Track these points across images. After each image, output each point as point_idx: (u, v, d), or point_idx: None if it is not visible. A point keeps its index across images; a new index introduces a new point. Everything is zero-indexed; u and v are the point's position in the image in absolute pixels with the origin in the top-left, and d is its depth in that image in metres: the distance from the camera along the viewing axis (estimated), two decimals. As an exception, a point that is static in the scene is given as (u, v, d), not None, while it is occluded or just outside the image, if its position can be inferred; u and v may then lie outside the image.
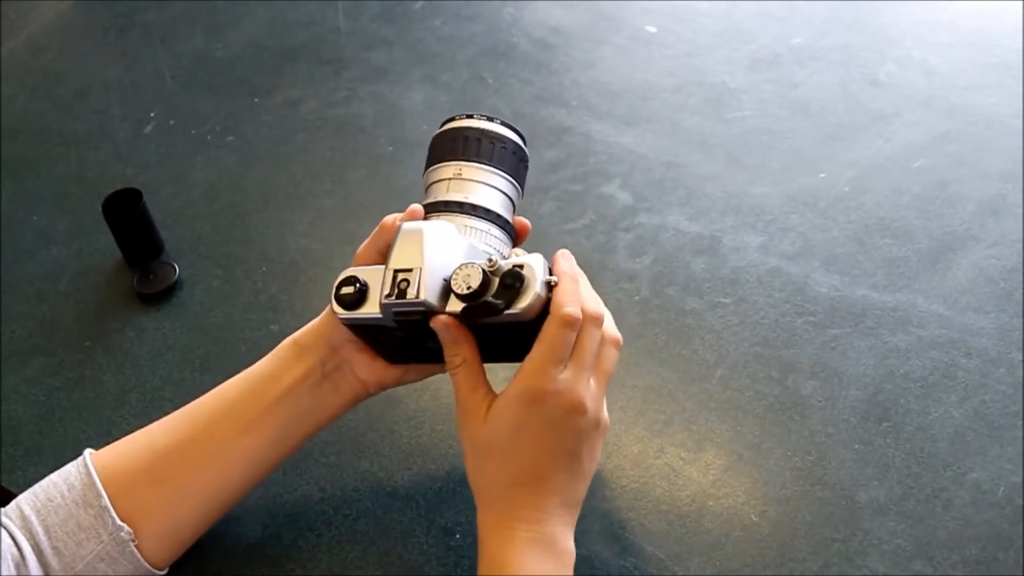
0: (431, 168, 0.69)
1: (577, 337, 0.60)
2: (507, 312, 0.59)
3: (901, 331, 0.81)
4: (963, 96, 1.04)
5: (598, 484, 0.73)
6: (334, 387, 0.69)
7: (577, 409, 0.60)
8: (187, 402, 0.83)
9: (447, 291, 0.61)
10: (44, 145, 1.15)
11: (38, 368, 0.88)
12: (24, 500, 0.65)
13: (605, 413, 0.62)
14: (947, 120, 1.01)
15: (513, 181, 0.67)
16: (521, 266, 0.60)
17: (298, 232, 0.98)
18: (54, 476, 0.67)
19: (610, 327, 0.62)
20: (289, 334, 0.88)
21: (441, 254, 0.61)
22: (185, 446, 0.68)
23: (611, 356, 0.62)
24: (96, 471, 0.66)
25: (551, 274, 0.61)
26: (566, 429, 0.60)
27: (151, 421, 0.81)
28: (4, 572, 0.60)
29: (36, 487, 0.66)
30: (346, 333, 0.67)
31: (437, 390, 0.80)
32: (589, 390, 0.60)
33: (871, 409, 0.76)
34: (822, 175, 0.97)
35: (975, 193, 0.93)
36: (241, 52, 1.25)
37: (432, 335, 0.62)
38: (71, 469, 0.67)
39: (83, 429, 0.82)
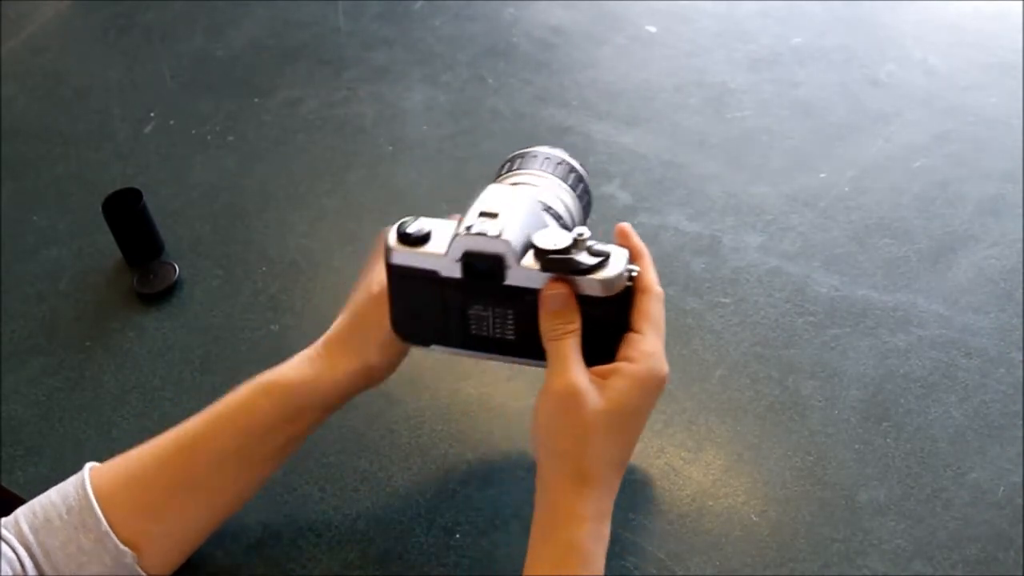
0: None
1: (651, 318, 0.60)
2: (589, 277, 0.57)
3: (901, 331, 0.81)
4: (963, 96, 1.04)
5: (598, 484, 0.73)
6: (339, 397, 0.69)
7: (662, 388, 0.60)
8: (187, 402, 0.83)
9: (526, 250, 0.58)
10: (44, 145, 1.15)
11: (38, 368, 0.88)
12: (23, 517, 0.63)
13: None
14: (947, 120, 1.01)
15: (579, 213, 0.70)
16: (608, 249, 0.59)
17: (298, 232, 0.98)
18: (53, 495, 0.65)
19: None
20: (289, 334, 0.89)
21: (529, 215, 0.60)
22: (184, 482, 0.66)
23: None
24: (95, 494, 0.63)
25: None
26: (646, 418, 0.61)
27: (151, 421, 0.82)
28: None
29: (35, 504, 0.64)
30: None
31: (436, 390, 0.80)
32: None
33: (871, 409, 0.76)
34: (822, 175, 0.97)
35: (975, 193, 0.92)
36: (241, 52, 1.25)
37: (479, 303, 0.59)
38: (69, 490, 0.65)
39: (83, 429, 0.82)
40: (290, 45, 1.25)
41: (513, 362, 0.63)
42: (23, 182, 1.10)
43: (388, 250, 0.61)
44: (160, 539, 0.65)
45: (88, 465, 0.67)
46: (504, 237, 0.57)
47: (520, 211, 0.59)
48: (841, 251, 0.89)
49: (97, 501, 0.63)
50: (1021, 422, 0.73)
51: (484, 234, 0.57)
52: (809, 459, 0.73)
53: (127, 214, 0.94)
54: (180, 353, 0.88)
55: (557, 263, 0.57)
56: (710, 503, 0.71)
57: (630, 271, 0.59)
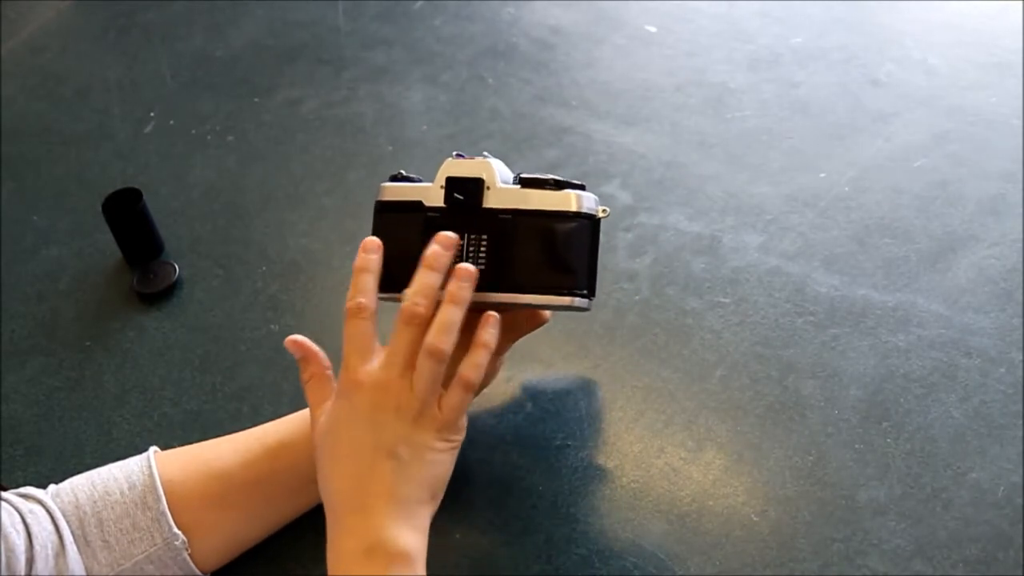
0: None
1: (393, 334, 0.61)
2: (555, 191, 0.63)
3: (901, 331, 0.81)
4: (963, 96, 1.04)
5: (598, 484, 0.73)
6: None
7: (384, 404, 0.60)
8: (187, 402, 0.83)
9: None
10: (44, 145, 1.15)
11: (38, 368, 0.88)
12: (80, 487, 0.65)
13: (440, 413, 0.61)
14: (947, 120, 1.01)
15: None
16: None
17: (298, 232, 0.98)
18: (115, 470, 0.67)
19: (432, 336, 0.60)
20: (289, 334, 0.88)
21: (502, 166, 0.67)
22: (264, 481, 0.68)
23: (421, 363, 0.60)
24: (160, 476, 0.66)
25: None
26: (378, 424, 0.60)
27: (151, 421, 0.82)
28: (40, 559, 0.60)
29: (94, 475, 0.66)
30: None
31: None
32: (401, 386, 0.60)
33: (871, 409, 0.76)
34: (822, 175, 0.97)
35: (975, 193, 0.92)
36: (241, 52, 1.25)
37: (457, 231, 0.63)
38: (133, 467, 0.67)
39: (83, 429, 0.82)
40: (290, 45, 1.25)
41: (481, 298, 0.64)
42: (23, 182, 1.10)
43: (380, 191, 0.68)
44: (220, 532, 0.67)
45: (152, 448, 0.69)
46: (484, 162, 0.65)
47: (495, 161, 0.67)
48: (841, 251, 0.89)
49: (161, 481, 0.65)
50: (1021, 422, 0.73)
51: (464, 156, 0.66)
52: (809, 459, 0.73)
53: (127, 214, 0.94)
54: (180, 353, 0.88)
55: (535, 182, 0.64)
56: (710, 503, 0.71)
57: (598, 207, 0.66)
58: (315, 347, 0.65)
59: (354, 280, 0.63)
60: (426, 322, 0.61)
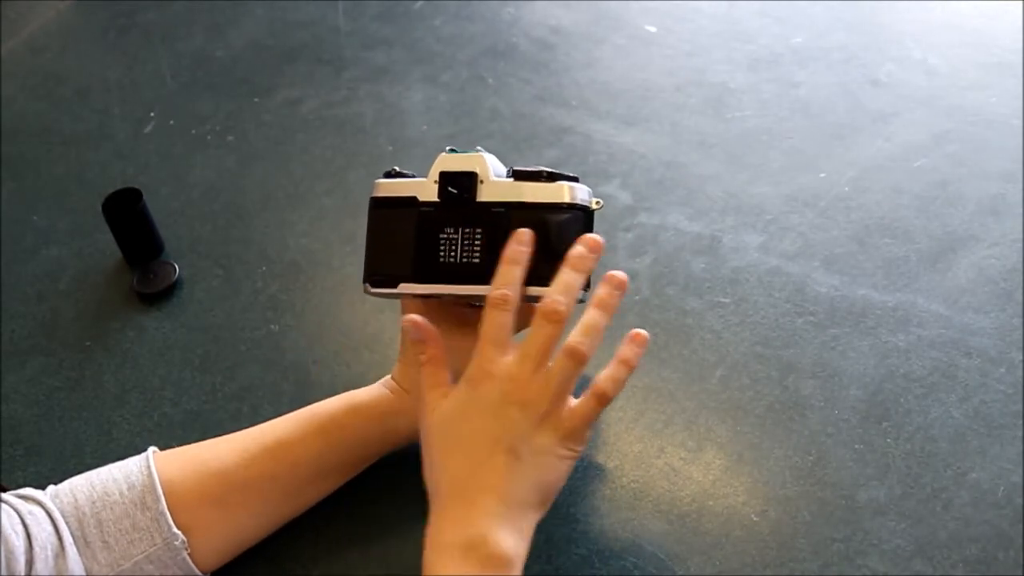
0: None
1: (531, 329, 0.60)
2: (548, 183, 0.64)
3: (901, 331, 0.81)
4: (963, 96, 1.04)
5: (598, 484, 0.73)
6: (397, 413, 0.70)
7: (511, 398, 0.58)
8: (187, 402, 0.83)
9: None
10: (44, 145, 1.15)
11: (38, 368, 0.88)
12: (80, 488, 0.65)
13: (567, 419, 0.60)
14: (947, 120, 1.01)
15: None
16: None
17: (298, 232, 0.98)
18: (114, 470, 0.67)
19: (576, 337, 0.60)
20: (289, 334, 0.89)
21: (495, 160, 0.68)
22: (263, 481, 0.68)
23: (559, 363, 0.60)
24: (158, 476, 0.65)
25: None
26: (503, 418, 0.58)
27: (151, 421, 0.82)
28: (39, 560, 0.60)
29: (93, 476, 0.66)
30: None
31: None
32: (533, 382, 0.59)
33: (871, 409, 0.76)
34: (822, 175, 0.97)
35: (975, 193, 0.92)
36: (241, 52, 1.25)
37: (451, 225, 0.65)
38: (132, 467, 0.67)
39: (83, 429, 0.82)
40: (290, 45, 1.25)
41: (475, 291, 0.65)
42: (23, 182, 1.10)
43: (374, 187, 0.69)
44: (219, 532, 0.67)
45: (151, 449, 0.69)
46: (478, 156, 0.66)
47: (488, 155, 0.67)
48: (841, 251, 0.89)
49: (160, 481, 0.65)
50: (1021, 422, 0.73)
51: (456, 149, 0.66)
52: (809, 459, 0.73)
53: (127, 214, 0.94)
54: (180, 353, 0.88)
55: (528, 174, 0.64)
56: (710, 503, 0.71)
57: (590, 200, 0.66)
58: (434, 329, 0.63)
59: (502, 270, 0.62)
60: (565, 321, 0.60)
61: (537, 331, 0.60)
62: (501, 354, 0.59)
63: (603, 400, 0.61)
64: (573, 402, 0.61)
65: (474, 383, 0.60)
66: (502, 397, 0.59)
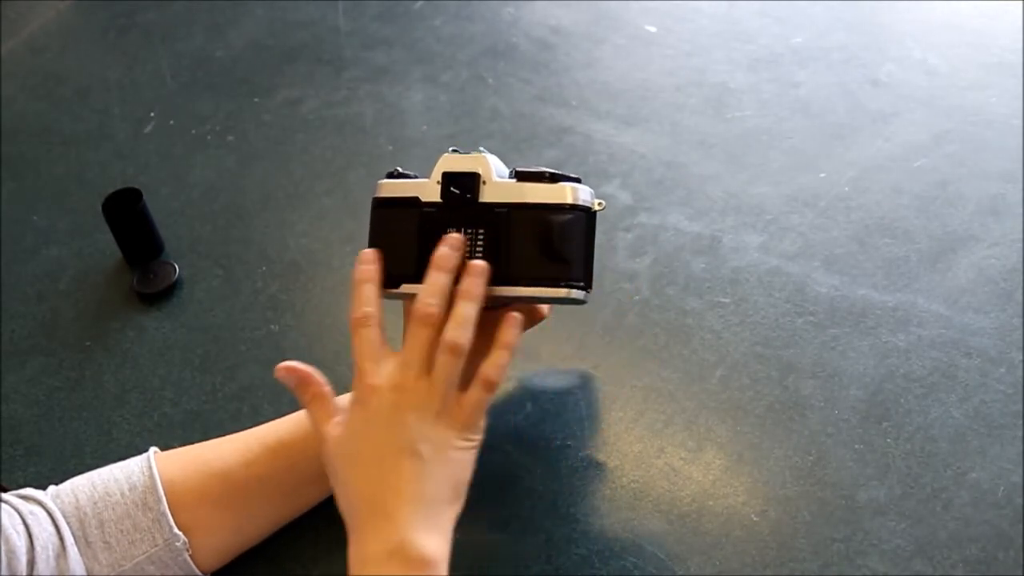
0: None
1: (407, 336, 0.61)
2: (550, 184, 0.64)
3: (901, 331, 0.81)
4: (963, 96, 1.04)
5: (598, 483, 0.73)
6: None
7: (401, 405, 0.59)
8: (187, 402, 0.83)
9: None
10: (44, 145, 1.15)
11: (38, 368, 0.88)
12: (81, 488, 0.65)
13: (461, 411, 0.61)
14: (947, 120, 1.01)
15: None
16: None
17: (298, 232, 0.98)
18: (115, 470, 0.67)
19: (450, 331, 0.61)
20: (289, 334, 0.89)
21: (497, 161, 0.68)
22: (265, 481, 0.68)
23: (441, 360, 0.61)
24: (160, 477, 0.66)
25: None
26: (397, 425, 0.59)
27: (151, 421, 0.82)
28: (40, 560, 0.60)
29: (95, 476, 0.66)
30: None
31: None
32: (418, 387, 0.60)
33: (871, 409, 0.76)
34: (822, 175, 0.97)
35: (975, 193, 0.92)
36: (241, 52, 1.25)
37: (453, 225, 0.65)
38: (134, 467, 0.67)
39: (83, 429, 0.82)
40: (290, 45, 1.25)
41: None
42: (23, 182, 1.10)
43: (376, 188, 0.69)
44: (220, 532, 0.67)
45: (152, 449, 0.69)
46: (480, 157, 0.66)
47: (490, 156, 0.67)
48: (841, 251, 0.89)
49: (161, 482, 0.65)
50: (1021, 422, 0.73)
51: (459, 150, 0.67)
52: (809, 459, 0.73)
53: (127, 214, 0.94)
54: (180, 353, 0.88)
55: (531, 175, 0.64)
56: (710, 503, 0.71)
57: (598, 201, 0.66)
58: (307, 368, 0.65)
59: (355, 292, 0.63)
60: (440, 322, 0.61)
61: (414, 336, 0.61)
62: (380, 367, 0.61)
63: (490, 387, 0.62)
64: (462, 394, 0.62)
65: (363, 402, 0.61)
66: (392, 406, 0.60)
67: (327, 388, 0.64)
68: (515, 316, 0.63)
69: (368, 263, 0.64)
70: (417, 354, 0.61)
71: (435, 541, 0.58)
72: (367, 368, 0.61)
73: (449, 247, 0.63)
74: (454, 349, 0.60)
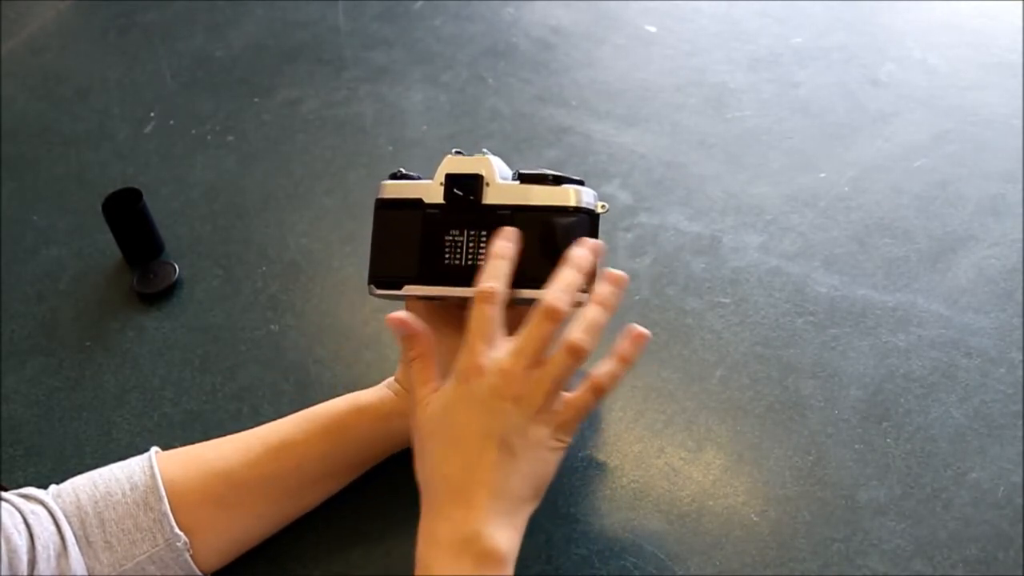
0: None
1: (529, 325, 0.59)
2: (554, 186, 0.64)
3: (901, 331, 0.81)
4: (963, 96, 1.04)
5: (598, 483, 0.73)
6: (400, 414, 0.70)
7: (504, 392, 0.58)
8: (187, 402, 0.83)
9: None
10: (44, 145, 1.15)
11: (38, 368, 0.88)
12: (82, 488, 0.65)
13: (563, 411, 0.60)
14: (947, 120, 1.01)
15: None
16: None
17: (298, 232, 0.98)
18: (116, 470, 0.67)
19: (577, 333, 0.59)
20: (289, 334, 0.89)
21: (501, 163, 0.68)
22: (267, 481, 0.68)
23: (558, 358, 0.59)
24: (161, 476, 0.66)
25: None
26: (495, 412, 0.58)
27: (151, 421, 0.82)
28: (42, 559, 0.60)
29: (96, 475, 0.66)
30: None
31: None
32: (527, 378, 0.58)
33: (871, 409, 0.76)
34: (822, 175, 0.97)
35: (975, 193, 0.92)
36: (241, 52, 1.25)
37: (456, 227, 0.65)
38: (135, 467, 0.67)
39: (83, 429, 0.82)
40: (290, 45, 1.25)
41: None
42: (23, 182, 1.10)
43: (380, 189, 0.69)
44: (221, 532, 0.67)
45: (153, 449, 0.69)
46: (484, 159, 0.66)
47: (494, 158, 0.67)
48: (841, 251, 0.89)
49: (163, 482, 0.65)
50: (1021, 422, 0.74)
51: (462, 152, 0.67)
52: (809, 459, 0.73)
53: (127, 214, 0.94)
54: (180, 353, 0.88)
55: (534, 177, 0.65)
56: (710, 503, 0.71)
57: (596, 204, 0.66)
58: (420, 325, 0.63)
59: (489, 265, 0.61)
60: (563, 319, 0.60)
61: (535, 328, 0.59)
62: (490, 348, 0.59)
63: (600, 395, 0.61)
64: (566, 395, 0.61)
65: (464, 378, 0.59)
66: (492, 391, 0.58)
67: (434, 351, 0.63)
68: (643, 334, 0.62)
69: (510, 240, 0.62)
70: (533, 345, 0.59)
71: (508, 537, 0.57)
72: (478, 347, 0.59)
73: (588, 249, 0.62)
74: (576, 352, 0.59)
